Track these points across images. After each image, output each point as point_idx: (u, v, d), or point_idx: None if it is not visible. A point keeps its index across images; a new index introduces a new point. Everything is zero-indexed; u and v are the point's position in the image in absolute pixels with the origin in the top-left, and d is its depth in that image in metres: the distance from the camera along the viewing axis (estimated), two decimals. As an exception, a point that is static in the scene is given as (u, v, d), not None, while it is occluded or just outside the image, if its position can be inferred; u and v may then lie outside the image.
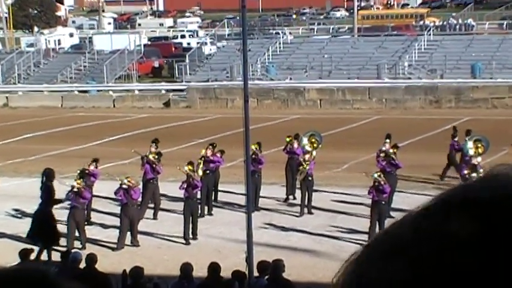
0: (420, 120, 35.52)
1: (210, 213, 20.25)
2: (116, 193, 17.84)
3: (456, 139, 22.88)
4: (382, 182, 17.28)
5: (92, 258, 12.36)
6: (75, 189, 17.25)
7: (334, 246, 17.36)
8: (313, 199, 20.21)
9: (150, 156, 20.13)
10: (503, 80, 40.60)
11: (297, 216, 19.85)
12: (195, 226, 18.13)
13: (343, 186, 22.64)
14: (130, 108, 43.40)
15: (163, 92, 45.75)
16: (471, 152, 20.07)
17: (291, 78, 45.04)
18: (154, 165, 19.97)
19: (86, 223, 18.39)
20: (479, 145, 19.99)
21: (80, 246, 17.27)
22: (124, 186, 17.46)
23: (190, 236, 17.99)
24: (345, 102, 40.88)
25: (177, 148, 29.03)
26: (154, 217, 20.06)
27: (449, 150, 22.77)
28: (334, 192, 22.06)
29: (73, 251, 14.58)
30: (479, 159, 19.29)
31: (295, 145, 21.52)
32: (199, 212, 19.34)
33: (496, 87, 39.43)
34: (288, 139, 21.77)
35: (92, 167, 19.56)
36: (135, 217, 17.88)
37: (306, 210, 19.99)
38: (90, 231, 18.30)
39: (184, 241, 17.93)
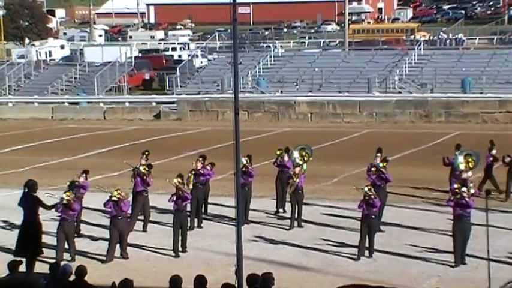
0: (410, 135, 35.62)
1: (199, 226, 20.21)
2: (105, 205, 17.78)
3: (493, 152, 22.62)
4: (373, 196, 17.29)
5: (81, 271, 12.29)
6: (65, 201, 17.17)
7: (323, 260, 17.34)
8: (303, 212, 20.18)
9: (141, 168, 20.08)
10: (493, 94, 40.78)
11: (286, 229, 19.83)
12: (184, 239, 18.08)
13: (333, 200, 22.65)
14: (120, 120, 43.36)
15: (153, 104, 45.74)
16: (462, 166, 20.14)
17: (281, 92, 45.12)
18: (145, 177, 19.92)
19: (75, 235, 18.30)
20: (470, 160, 20.05)
21: (70, 258, 17.19)
22: (114, 198, 17.41)
23: (180, 248, 17.94)
24: (335, 115, 40.95)
25: (167, 160, 28.99)
26: (144, 229, 20.00)
27: (486, 164, 22.44)
28: (324, 206, 22.05)
29: (63, 263, 14.50)
30: (469, 173, 19.33)
31: (286, 158, 21.53)
32: (189, 224, 19.30)
33: (486, 102, 39.59)
34: (278, 152, 21.78)
35: (81, 179, 19.48)
36: (125, 229, 17.81)
37: (295, 223, 19.96)
38: (80, 243, 18.22)
39: (173, 254, 17.87)
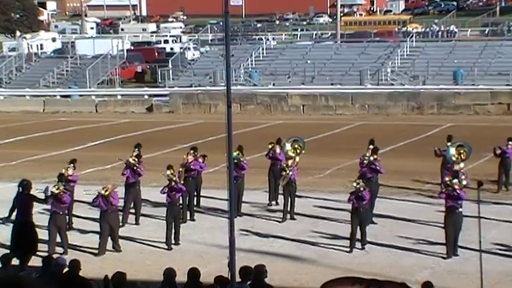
0: (403, 126, 35.66)
1: (192, 219, 20.19)
2: (93, 201, 17.70)
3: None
4: (362, 189, 17.28)
5: (75, 264, 12.26)
6: (55, 194, 17.10)
7: (316, 252, 17.36)
8: (296, 205, 20.20)
9: (130, 160, 20.02)
10: (485, 86, 40.84)
11: (279, 221, 19.85)
12: (177, 231, 18.07)
13: (326, 192, 22.67)
14: (112, 113, 43.29)
15: (146, 97, 45.66)
16: (454, 158, 20.09)
17: (274, 84, 45.10)
18: (135, 168, 19.86)
19: (67, 228, 18.26)
20: (462, 151, 19.99)
21: (62, 251, 17.15)
22: (102, 193, 17.31)
23: (173, 241, 17.93)
24: (328, 108, 40.98)
25: (160, 153, 28.97)
26: (137, 222, 19.97)
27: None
28: (317, 198, 22.07)
29: (57, 256, 14.47)
30: (461, 165, 19.35)
31: (278, 150, 21.50)
32: (182, 217, 19.29)
33: (478, 93, 39.66)
34: (270, 145, 21.75)
35: (70, 170, 19.34)
36: (116, 222, 17.78)
37: (288, 216, 19.98)
38: (71, 237, 18.18)
39: (166, 246, 17.85)
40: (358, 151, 21.89)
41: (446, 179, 17.42)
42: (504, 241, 17.45)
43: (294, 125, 36.29)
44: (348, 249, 17.24)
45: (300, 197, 20.90)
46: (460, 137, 23.44)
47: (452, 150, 19.72)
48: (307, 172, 25.05)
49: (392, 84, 43.53)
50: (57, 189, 17.18)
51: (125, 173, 20.02)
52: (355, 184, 17.36)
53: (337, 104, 40.92)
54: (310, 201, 21.71)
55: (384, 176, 23.19)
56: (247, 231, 18.88)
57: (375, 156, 19.87)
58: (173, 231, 17.94)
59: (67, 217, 18.56)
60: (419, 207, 20.81)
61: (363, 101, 40.69)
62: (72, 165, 19.58)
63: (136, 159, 20.03)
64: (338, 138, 33.19)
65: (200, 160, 20.81)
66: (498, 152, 22.24)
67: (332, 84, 44.22)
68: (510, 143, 22.30)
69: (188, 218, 20.03)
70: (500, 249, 16.97)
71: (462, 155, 19.59)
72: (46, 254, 15.90)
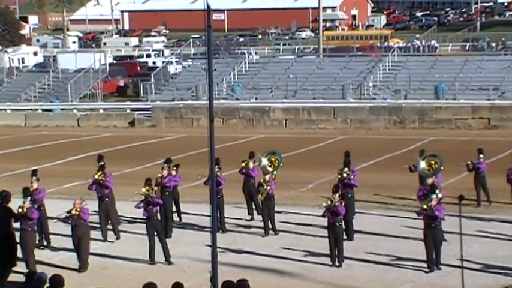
0: (385, 141, 35.79)
1: (169, 235, 19.89)
2: (65, 220, 17.50)
3: None
4: (337, 204, 17.22)
5: (58, 280, 12.12)
6: (21, 211, 16.78)
7: (299, 266, 17.34)
8: (278, 219, 20.17)
9: (96, 177, 19.87)
10: (466, 101, 41.10)
11: (262, 236, 19.79)
12: (165, 248, 17.67)
13: (308, 206, 22.65)
14: (94, 127, 43.15)
15: (128, 111, 45.57)
16: (426, 171, 19.63)
17: (256, 98, 45.16)
18: (101, 182, 19.75)
19: (39, 245, 17.97)
20: (433, 161, 19.56)
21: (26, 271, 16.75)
22: (74, 212, 17.12)
23: (163, 260, 17.63)
24: (310, 122, 41.07)
25: (142, 167, 28.88)
26: (117, 236, 19.81)
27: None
28: (299, 212, 22.05)
29: (39, 271, 14.34)
30: (439, 177, 19.26)
31: (251, 165, 21.34)
32: (166, 232, 19.22)
33: (459, 108, 39.89)
34: (243, 163, 21.50)
35: (35, 184, 18.85)
36: (85, 237, 17.40)
37: (270, 230, 19.91)
38: (48, 253, 18.02)
39: (149, 261, 17.74)
40: (340, 165, 21.90)
41: (420, 193, 17.40)
42: (486, 255, 17.51)
43: (277, 139, 36.32)
44: (331, 263, 17.23)
45: (279, 212, 20.85)
46: (441, 150, 23.51)
47: (423, 164, 19.42)
48: (290, 186, 25.08)
49: (374, 99, 43.71)
50: (24, 205, 16.79)
51: (91, 188, 19.96)
52: (329, 202, 17.22)
53: (320, 118, 41.03)
54: (293, 215, 21.70)
55: (365, 190, 23.27)
56: (227, 248, 18.83)
57: (347, 171, 19.83)
58: (161, 247, 17.68)
59: (36, 233, 18.06)
60: (400, 221, 20.83)
61: (345, 115, 40.82)
62: (34, 178, 18.99)
63: (101, 173, 19.85)
64: (320, 152, 33.24)
65: (173, 173, 20.59)
66: (471, 166, 22.33)
67: (314, 98, 44.35)
68: (481, 155, 22.39)
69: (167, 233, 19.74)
70: (482, 263, 17.02)
71: (434, 166, 19.29)
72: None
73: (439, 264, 16.76)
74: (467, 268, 15.54)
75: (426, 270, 16.65)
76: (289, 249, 18.51)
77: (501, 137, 34.89)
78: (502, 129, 37.79)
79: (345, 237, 19.00)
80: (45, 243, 19.18)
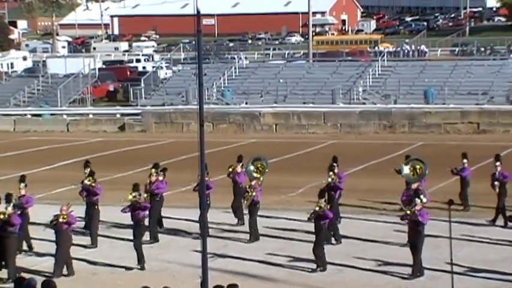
0: (374, 145, 35.85)
1: (155, 241, 19.81)
2: (51, 223, 17.42)
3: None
4: (325, 208, 17.22)
5: (50, 285, 12.04)
6: (2, 217, 16.66)
7: (289, 271, 17.33)
8: (268, 224, 20.16)
9: (86, 182, 19.87)
10: (455, 105, 41.22)
11: (251, 241, 19.72)
12: (140, 252, 17.62)
13: (299, 211, 22.64)
14: (84, 132, 43.05)
15: (118, 116, 45.49)
16: (411, 176, 19.58)
17: (246, 103, 45.15)
18: (91, 188, 19.74)
19: (22, 251, 17.87)
20: (418, 166, 19.55)
21: (7, 277, 16.68)
22: (61, 220, 17.06)
23: (153, 264, 17.55)
24: (300, 126, 41.10)
25: (132, 172, 28.82)
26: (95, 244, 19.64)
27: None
28: (289, 216, 22.04)
29: (28, 277, 14.26)
30: (423, 183, 19.23)
31: (238, 169, 21.32)
32: (154, 237, 19.15)
33: (449, 112, 40.01)
34: (230, 168, 21.39)
35: (23, 191, 18.78)
36: (67, 244, 17.29)
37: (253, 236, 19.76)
38: (33, 259, 17.93)
39: (138, 266, 17.70)
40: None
41: (404, 198, 17.45)
42: (475, 259, 17.55)
43: (267, 143, 36.35)
44: (321, 268, 17.22)
45: (268, 217, 20.83)
46: (430, 155, 23.59)
47: (406, 169, 19.39)
48: (280, 191, 25.09)
49: (364, 103, 43.78)
50: (6, 212, 16.68)
51: (81, 194, 19.97)
52: (317, 208, 17.22)
53: (310, 123, 41.07)
54: (283, 220, 21.69)
55: (355, 195, 23.31)
56: (216, 254, 18.81)
57: (332, 176, 19.86)
58: (136, 252, 17.61)
59: (19, 239, 17.91)
60: (390, 226, 20.85)
61: (335, 119, 40.87)
62: (23, 184, 18.99)
63: (90, 179, 19.87)
64: (310, 156, 33.25)
65: (160, 178, 20.52)
66: (455, 172, 22.39)
67: (304, 103, 44.38)
68: (465, 160, 22.46)
69: (149, 238, 19.67)
70: (471, 267, 17.06)
71: (418, 170, 19.27)
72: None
73: (421, 270, 16.60)
74: (456, 272, 15.57)
75: (406, 276, 16.54)
76: (278, 254, 18.48)
77: (490, 142, 35.00)
78: (491, 134, 37.92)
79: (333, 241, 19.05)
80: (26, 249, 19.08)
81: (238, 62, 53.95)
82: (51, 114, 46.71)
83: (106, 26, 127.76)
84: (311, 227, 20.20)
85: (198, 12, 11.22)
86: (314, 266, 17.26)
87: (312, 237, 19.49)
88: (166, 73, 57.96)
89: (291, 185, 26.07)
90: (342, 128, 40.50)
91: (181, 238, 20.29)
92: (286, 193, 25.11)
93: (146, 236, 19.32)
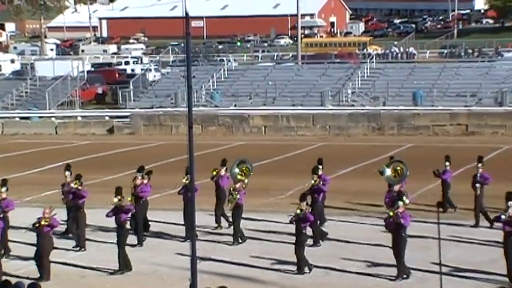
0: (363, 147, 35.91)
1: (140, 244, 19.79)
2: (34, 226, 17.33)
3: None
4: (307, 211, 17.23)
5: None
6: None
7: (277, 274, 17.32)
8: (256, 226, 20.15)
9: (72, 185, 19.79)
10: (444, 107, 41.35)
11: (235, 244, 19.63)
12: (122, 255, 17.57)
13: (287, 213, 22.62)
14: (73, 135, 42.94)
15: (106, 118, 45.39)
16: (393, 178, 19.57)
17: (235, 105, 45.16)
18: (77, 191, 19.67)
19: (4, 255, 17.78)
20: (398, 167, 19.51)
21: None
22: (43, 223, 16.98)
23: (142, 267, 17.49)
24: (290, 129, 41.13)
25: (122, 175, 28.74)
26: (78, 245, 19.57)
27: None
28: (277, 219, 22.03)
29: (16, 280, 14.21)
30: (403, 185, 19.21)
31: (222, 172, 21.31)
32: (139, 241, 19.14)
33: (437, 114, 40.13)
34: (214, 172, 21.37)
35: (4, 194, 18.67)
36: (49, 247, 17.23)
37: (238, 238, 19.73)
38: (17, 263, 17.82)
39: (126, 269, 17.64)
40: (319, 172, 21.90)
41: (387, 200, 17.46)
42: (464, 260, 17.59)
43: (256, 146, 36.34)
44: (308, 271, 17.19)
45: (254, 219, 20.81)
46: (419, 157, 23.63)
47: (388, 171, 19.41)
48: (269, 193, 25.09)
49: (353, 105, 43.86)
50: None
51: (67, 197, 19.91)
52: (298, 211, 17.22)
53: (299, 125, 41.11)
54: (271, 223, 21.68)
55: (344, 197, 23.35)
56: (201, 258, 18.80)
57: (316, 179, 19.88)
58: (118, 254, 17.55)
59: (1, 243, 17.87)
60: (379, 228, 20.85)
61: (324, 121, 40.93)
62: (4, 188, 18.92)
63: (76, 182, 19.81)
64: (300, 159, 33.26)
65: (145, 181, 20.46)
66: (437, 173, 22.44)
67: (293, 105, 44.42)
68: (447, 163, 22.52)
69: (137, 243, 19.63)
70: (460, 269, 17.10)
71: (399, 171, 19.27)
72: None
73: (405, 272, 16.60)
74: (445, 274, 15.60)
75: (392, 278, 16.57)
76: (265, 257, 18.47)
77: (479, 144, 35.11)
78: (479, 136, 38.06)
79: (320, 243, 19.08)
80: (2, 252, 18.99)
81: (227, 64, 53.98)
82: (40, 117, 46.57)
83: (94, 28, 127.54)
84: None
85: (187, 14, 11.22)
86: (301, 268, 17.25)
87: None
88: (155, 75, 57.89)
89: (280, 188, 26.07)
90: (331, 130, 40.56)
91: (170, 241, 20.24)
92: (275, 195, 25.12)
93: (133, 240, 19.30)
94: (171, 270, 17.55)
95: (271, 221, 21.80)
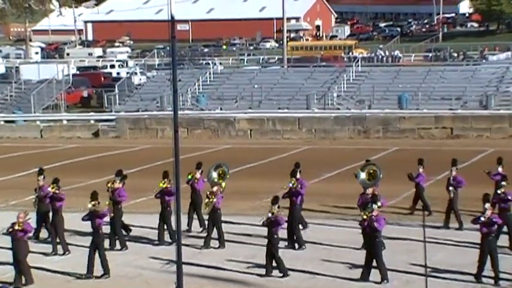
0: (349, 150, 35.96)
1: (122, 248, 19.72)
2: (8, 231, 17.22)
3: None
4: (278, 214, 17.23)
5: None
6: None
7: (263, 277, 17.30)
8: (242, 230, 20.13)
9: (49, 189, 19.70)
10: (429, 110, 41.48)
11: (199, 248, 19.53)
12: (103, 258, 17.41)
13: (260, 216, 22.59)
14: (58, 139, 42.78)
15: (92, 122, 45.25)
16: (367, 182, 19.51)
17: (221, 108, 45.14)
18: (55, 194, 19.58)
19: None
20: (371, 170, 19.47)
21: None
22: (16, 228, 16.89)
23: (128, 271, 17.43)
24: (275, 132, 41.16)
25: (107, 178, 28.61)
26: (54, 251, 19.47)
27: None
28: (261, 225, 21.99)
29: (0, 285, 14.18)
30: (376, 188, 19.24)
31: (198, 175, 21.24)
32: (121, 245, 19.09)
33: (423, 117, 40.26)
34: (189, 175, 21.30)
35: None
36: (24, 252, 17.06)
37: (216, 243, 19.65)
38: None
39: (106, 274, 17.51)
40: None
41: (359, 203, 17.54)
42: (450, 263, 17.65)
43: (242, 149, 36.33)
44: (287, 274, 17.14)
45: (239, 223, 20.80)
46: (404, 160, 23.68)
47: (363, 175, 19.28)
48: (255, 196, 25.08)
49: (338, 109, 43.94)
50: None
51: (44, 201, 19.84)
52: (269, 215, 17.21)
53: (285, 128, 41.14)
54: (257, 227, 21.65)
55: (329, 200, 23.38)
56: (195, 255, 18.77)
57: (293, 182, 19.91)
58: (100, 260, 17.44)
59: None
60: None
61: (310, 125, 40.98)
62: None
63: (54, 185, 19.72)
64: (285, 162, 33.19)
65: (120, 185, 20.21)
66: (411, 177, 22.51)
67: (279, 108, 44.44)
68: (420, 167, 22.61)
69: (110, 245, 19.42)
70: (446, 271, 17.15)
71: (372, 174, 19.29)
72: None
73: (386, 274, 16.62)
74: (431, 276, 15.65)
75: (380, 280, 16.60)
76: (252, 262, 18.45)
77: (463, 147, 35.27)
78: (464, 139, 38.22)
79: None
80: None
81: (212, 67, 53.93)
82: (25, 121, 46.36)
83: (80, 31, 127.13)
84: (284, 233, 20.27)
85: (173, 17, 11.22)
86: (291, 270, 17.27)
87: (286, 242, 19.55)
88: (140, 79, 57.76)
89: (266, 191, 25.99)
90: (317, 133, 40.61)
91: (153, 245, 20.18)
92: (261, 199, 25.09)
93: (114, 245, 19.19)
94: (157, 274, 17.51)
95: (258, 225, 21.77)
